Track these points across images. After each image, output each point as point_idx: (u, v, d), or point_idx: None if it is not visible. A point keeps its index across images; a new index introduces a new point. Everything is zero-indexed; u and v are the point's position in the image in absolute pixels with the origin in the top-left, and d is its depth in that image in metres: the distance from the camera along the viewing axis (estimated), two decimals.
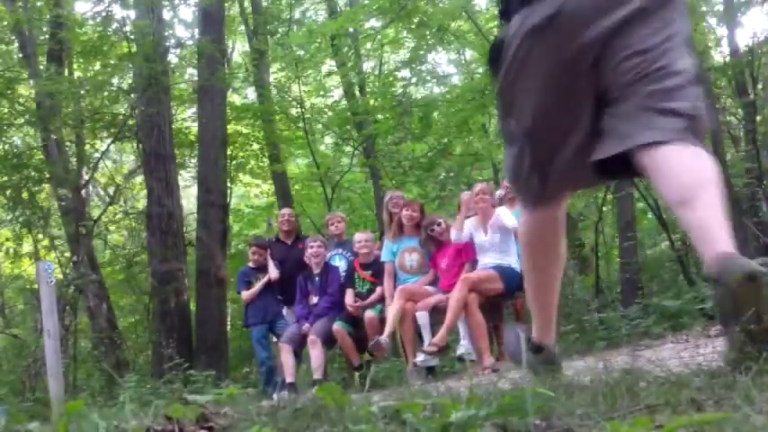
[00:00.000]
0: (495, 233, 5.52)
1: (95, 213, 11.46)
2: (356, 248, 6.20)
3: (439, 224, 5.75)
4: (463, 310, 5.26)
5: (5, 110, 10.31)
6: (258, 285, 6.57)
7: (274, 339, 6.66)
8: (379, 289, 5.96)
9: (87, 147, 11.53)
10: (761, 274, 1.57)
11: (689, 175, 1.79)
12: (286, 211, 7.39)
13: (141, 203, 12.09)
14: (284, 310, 6.64)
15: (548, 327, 2.33)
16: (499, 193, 6.06)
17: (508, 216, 5.42)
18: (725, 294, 1.60)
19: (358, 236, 6.34)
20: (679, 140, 1.81)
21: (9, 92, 9.95)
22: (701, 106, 1.90)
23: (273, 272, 6.56)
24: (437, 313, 5.50)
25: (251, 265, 6.79)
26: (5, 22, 10.15)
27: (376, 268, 6.06)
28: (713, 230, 1.70)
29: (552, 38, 1.94)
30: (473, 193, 5.76)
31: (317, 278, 6.23)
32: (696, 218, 1.75)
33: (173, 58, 11.52)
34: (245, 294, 6.62)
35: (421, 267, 5.88)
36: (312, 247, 6.28)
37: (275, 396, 5.59)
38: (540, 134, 2.04)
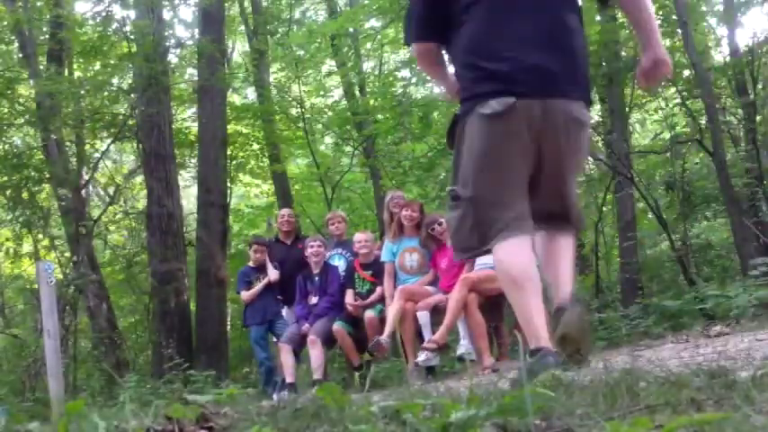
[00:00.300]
0: None
1: (95, 213, 11.45)
2: (356, 248, 6.19)
3: (440, 224, 5.74)
4: (463, 310, 5.26)
5: (5, 110, 10.31)
6: (258, 287, 6.55)
7: (273, 339, 6.66)
8: (379, 289, 5.95)
9: (87, 147, 11.53)
10: (567, 308, 2.35)
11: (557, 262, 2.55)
12: (285, 211, 7.36)
13: (141, 203, 12.09)
14: (284, 311, 6.64)
15: (541, 331, 2.42)
16: None
17: None
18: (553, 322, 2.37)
19: (358, 236, 6.32)
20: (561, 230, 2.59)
21: (9, 92, 9.95)
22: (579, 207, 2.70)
23: (273, 273, 6.54)
24: (437, 313, 5.50)
25: (251, 264, 6.77)
26: (5, 22, 10.15)
27: (376, 268, 6.05)
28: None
29: (507, 123, 2.39)
30: None
31: (316, 278, 6.22)
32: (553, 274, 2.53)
33: (173, 58, 11.54)
34: (245, 295, 6.60)
35: (421, 267, 5.87)
36: (312, 246, 6.26)
37: (275, 396, 5.59)
38: (482, 201, 2.48)
